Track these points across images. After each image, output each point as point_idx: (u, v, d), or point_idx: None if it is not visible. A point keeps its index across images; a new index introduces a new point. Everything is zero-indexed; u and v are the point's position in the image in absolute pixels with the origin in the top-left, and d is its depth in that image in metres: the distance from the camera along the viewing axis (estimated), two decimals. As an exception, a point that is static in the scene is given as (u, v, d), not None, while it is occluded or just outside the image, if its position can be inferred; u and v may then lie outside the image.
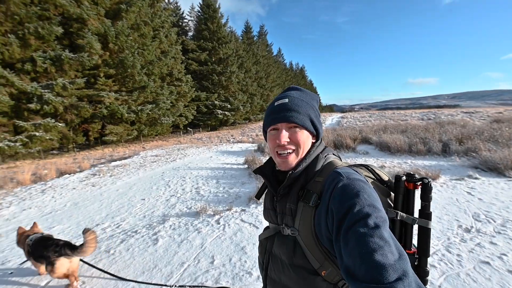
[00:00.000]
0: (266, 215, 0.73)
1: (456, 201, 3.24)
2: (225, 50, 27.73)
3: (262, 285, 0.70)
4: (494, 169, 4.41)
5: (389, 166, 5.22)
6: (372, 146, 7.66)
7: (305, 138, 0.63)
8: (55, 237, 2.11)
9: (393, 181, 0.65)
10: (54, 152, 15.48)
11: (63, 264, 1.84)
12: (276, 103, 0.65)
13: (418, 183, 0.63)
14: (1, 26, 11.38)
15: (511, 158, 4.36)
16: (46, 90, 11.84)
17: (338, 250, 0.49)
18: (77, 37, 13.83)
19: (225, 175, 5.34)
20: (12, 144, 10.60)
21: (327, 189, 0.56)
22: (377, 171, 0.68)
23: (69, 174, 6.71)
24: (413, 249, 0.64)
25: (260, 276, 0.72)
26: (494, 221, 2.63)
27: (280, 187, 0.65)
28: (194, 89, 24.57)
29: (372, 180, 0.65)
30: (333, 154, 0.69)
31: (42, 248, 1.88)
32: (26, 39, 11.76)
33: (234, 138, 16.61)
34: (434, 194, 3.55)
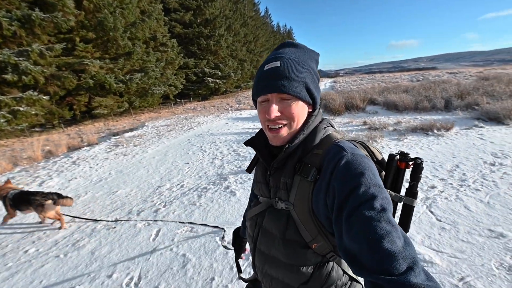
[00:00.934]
0: (258, 189, 0.69)
1: (473, 145, 3.80)
2: (212, 9, 25.22)
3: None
4: (494, 118, 5.03)
5: (404, 121, 5.70)
6: (378, 106, 8.11)
7: (300, 110, 0.56)
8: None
9: (386, 159, 0.65)
10: (37, 129, 14.45)
11: (50, 205, 2.36)
12: (266, 67, 0.55)
13: (410, 163, 0.62)
14: None
15: (509, 109, 4.96)
16: (21, 58, 10.46)
17: (338, 230, 0.47)
18: (42, -8, 11.75)
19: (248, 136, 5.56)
20: (-4, 121, 9.70)
21: (328, 163, 0.52)
22: (371, 148, 0.65)
23: (80, 148, 6.54)
24: None
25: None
26: (510, 157, 3.21)
27: (274, 160, 0.60)
28: (181, 55, 22.83)
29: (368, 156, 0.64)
30: (332, 126, 0.64)
31: (28, 196, 2.35)
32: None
33: (231, 107, 16.35)
34: (454, 141, 4.10)
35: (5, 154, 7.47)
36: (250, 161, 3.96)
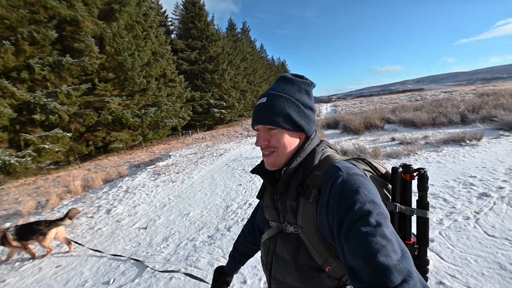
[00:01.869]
0: (268, 214, 0.71)
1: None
2: (215, 48, 27.56)
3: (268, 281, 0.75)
4: (517, 128, 5.42)
5: (430, 135, 6.07)
6: (394, 124, 8.58)
7: (285, 138, 0.61)
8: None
9: (390, 172, 0.66)
10: (52, 166, 14.49)
11: (52, 232, 2.60)
12: (258, 102, 0.64)
13: (415, 174, 0.62)
14: (-10, 32, 10.41)
15: (530, 118, 5.40)
16: (49, 99, 11.10)
17: (340, 248, 0.48)
18: (72, 40, 13.01)
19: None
20: (23, 160, 9.86)
21: (326, 183, 0.55)
22: (374, 164, 0.67)
23: (114, 180, 6.66)
24: (413, 239, 0.64)
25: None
26: (555, 158, 3.48)
27: (278, 184, 0.63)
28: (188, 89, 24.23)
29: (371, 174, 0.65)
30: (330, 148, 0.68)
31: (32, 228, 2.51)
32: (19, 45, 10.87)
33: (241, 134, 16.87)
34: (491, 148, 4.39)
35: (37, 191, 7.52)
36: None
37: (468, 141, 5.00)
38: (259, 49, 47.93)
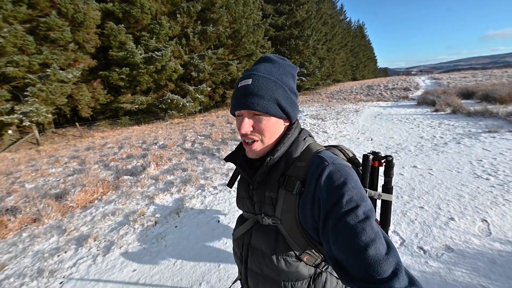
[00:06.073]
0: (241, 204, 0.69)
1: None
2: (301, 12, 27.31)
3: (240, 273, 0.72)
4: None
5: None
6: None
7: (272, 125, 0.57)
8: None
9: (355, 159, 0.71)
10: (180, 114, 19.07)
11: None
12: (239, 84, 0.57)
13: (383, 161, 0.67)
14: (165, 8, 13.88)
15: None
16: (199, 60, 14.52)
17: (326, 240, 0.48)
18: (207, 12, 15.78)
19: (437, 117, 6.93)
20: (188, 104, 13.88)
21: (311, 175, 0.53)
22: (347, 151, 0.70)
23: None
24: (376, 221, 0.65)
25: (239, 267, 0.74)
26: None
27: (256, 174, 0.60)
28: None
29: (345, 160, 0.67)
30: (310, 136, 0.65)
31: None
32: (181, 17, 14.16)
33: (324, 103, 17.83)
34: None
35: (208, 123, 10.71)
36: (473, 127, 5.34)
37: None
38: (338, 10, 43.90)
